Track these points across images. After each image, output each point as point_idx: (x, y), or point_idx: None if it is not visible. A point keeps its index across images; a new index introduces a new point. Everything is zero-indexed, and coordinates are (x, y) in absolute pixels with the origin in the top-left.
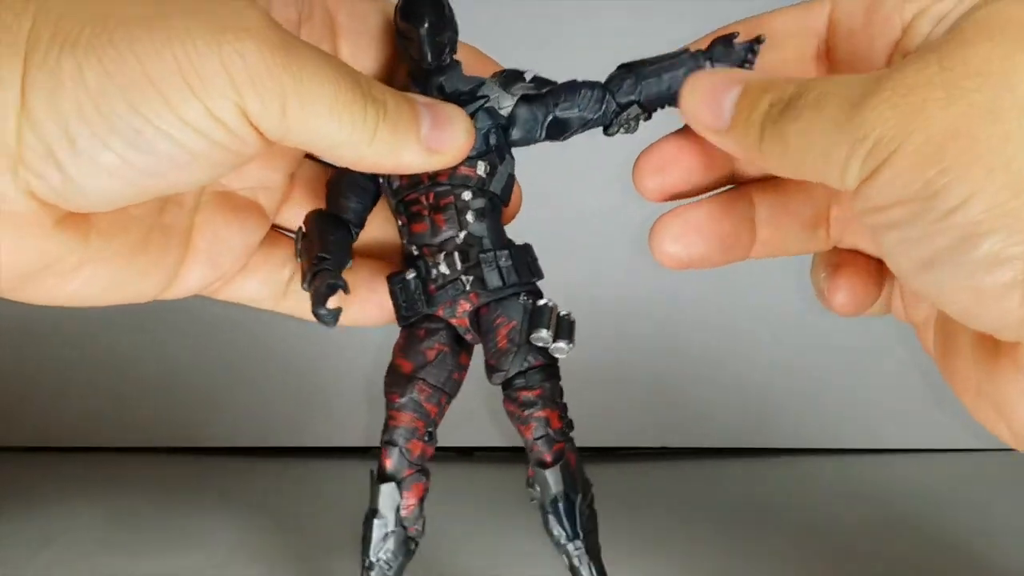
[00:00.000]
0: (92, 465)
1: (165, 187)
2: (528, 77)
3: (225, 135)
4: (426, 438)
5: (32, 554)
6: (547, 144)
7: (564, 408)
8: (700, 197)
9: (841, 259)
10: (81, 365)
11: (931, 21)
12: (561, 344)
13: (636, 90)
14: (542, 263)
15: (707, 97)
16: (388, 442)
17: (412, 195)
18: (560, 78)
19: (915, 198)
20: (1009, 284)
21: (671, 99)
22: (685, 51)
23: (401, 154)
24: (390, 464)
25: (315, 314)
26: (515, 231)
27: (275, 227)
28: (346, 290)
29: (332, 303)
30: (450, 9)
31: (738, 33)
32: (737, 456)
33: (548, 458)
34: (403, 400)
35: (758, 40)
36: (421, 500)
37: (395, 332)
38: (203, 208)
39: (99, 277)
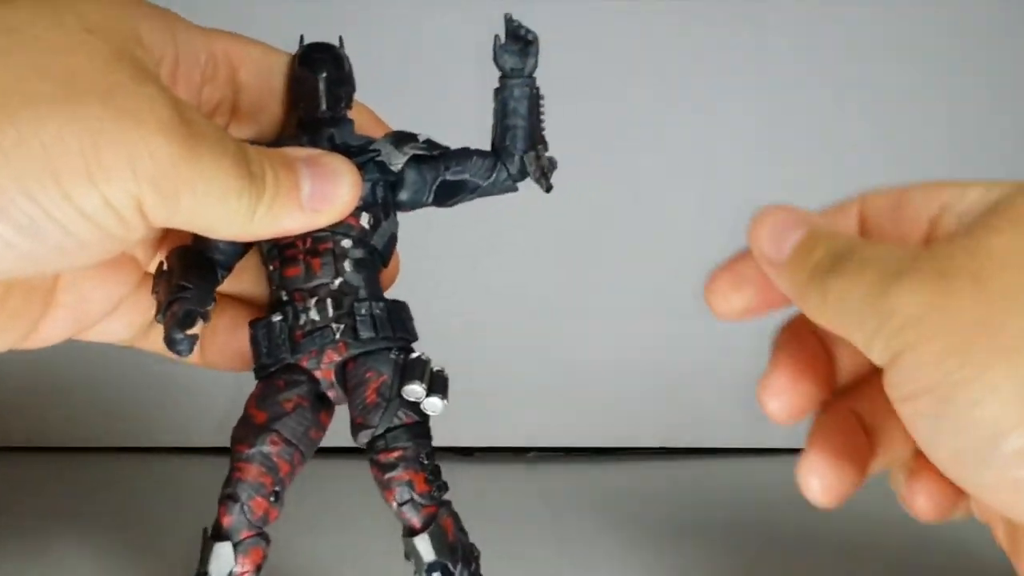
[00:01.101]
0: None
1: (43, 270)
2: (421, 139)
3: (117, 224)
4: (272, 498)
5: (31, 555)
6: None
7: (434, 470)
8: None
9: (919, 464)
10: (81, 365)
11: (956, 217)
12: (435, 399)
13: (514, 144)
14: (538, 264)
15: (773, 232)
16: (229, 496)
17: (288, 239)
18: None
19: (937, 388)
20: None
21: (508, 116)
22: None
23: (282, 222)
24: (228, 521)
25: (168, 340)
26: (523, 216)
27: (147, 274)
28: (206, 319)
29: (189, 332)
30: (350, 65)
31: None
32: (737, 456)
33: (416, 524)
34: (252, 451)
35: (507, 19)
36: (258, 569)
37: None
38: None
39: None
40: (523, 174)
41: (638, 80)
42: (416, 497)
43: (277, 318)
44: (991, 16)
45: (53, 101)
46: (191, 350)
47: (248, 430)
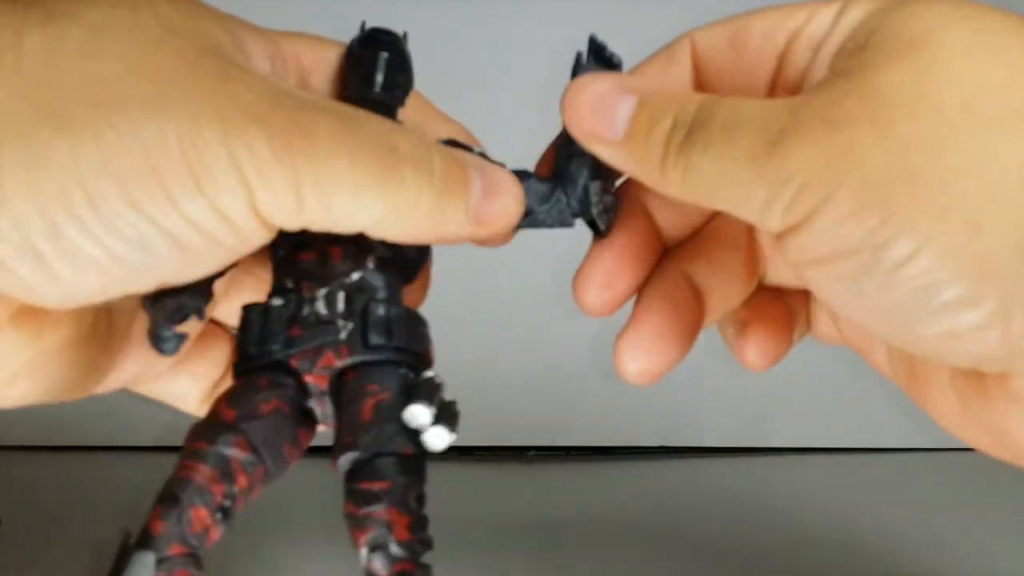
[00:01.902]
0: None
1: (152, 283)
2: (476, 151)
3: (230, 232)
4: (219, 514)
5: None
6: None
7: (420, 520)
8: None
9: (749, 315)
10: None
11: (807, 46)
12: (441, 431)
13: (580, 175)
14: (539, 263)
15: (596, 105)
16: (168, 497)
17: None
18: (546, 79)
19: (858, 250)
20: (984, 324)
21: (577, 142)
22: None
23: (445, 225)
24: (159, 528)
25: (154, 335)
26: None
27: (212, 320)
28: (200, 315)
29: (179, 328)
30: (411, 61)
31: (581, 61)
32: (737, 456)
33: None
34: (208, 450)
35: (591, 41)
36: None
37: None
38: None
39: (44, 375)
40: (584, 206)
41: None
42: (392, 546)
43: (277, 302)
44: None
45: (147, 101)
46: (177, 349)
47: (210, 426)
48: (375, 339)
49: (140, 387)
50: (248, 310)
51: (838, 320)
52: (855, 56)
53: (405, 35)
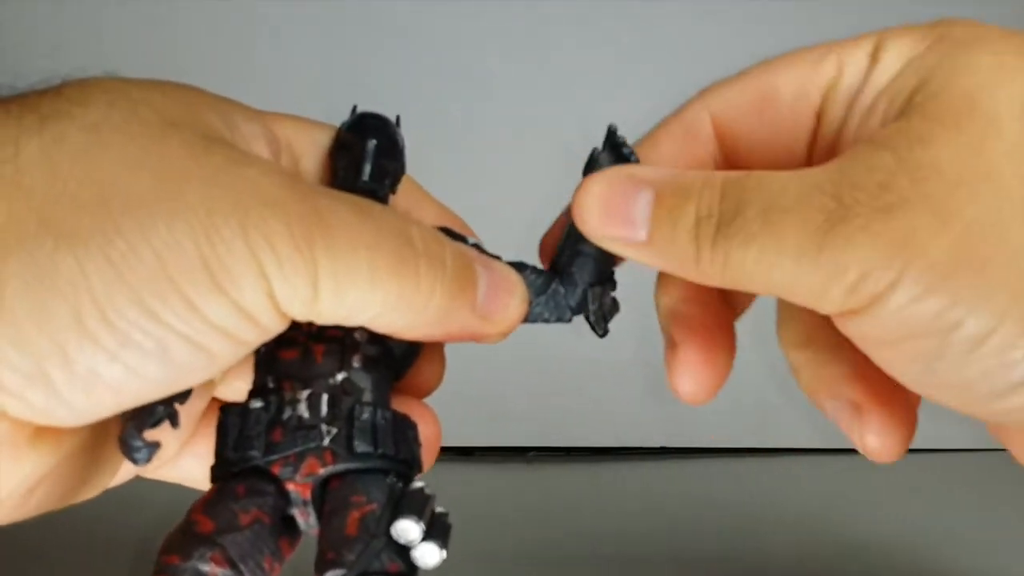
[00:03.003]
0: None
1: (166, 392)
2: (470, 241)
3: (250, 329)
4: None
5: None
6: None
7: None
8: None
9: (865, 396)
10: None
11: (843, 101)
12: (431, 547)
13: (581, 277)
14: (535, 249)
15: (610, 208)
16: None
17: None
18: (548, 87)
19: (928, 333)
20: None
21: (581, 241)
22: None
23: (451, 322)
24: None
25: (125, 444)
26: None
27: (215, 399)
28: (174, 423)
29: (151, 435)
30: (403, 146)
31: (596, 154)
32: (737, 456)
33: None
34: (183, 566)
35: (610, 132)
36: None
37: None
38: None
39: (61, 482)
40: (581, 308)
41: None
42: None
43: (257, 404)
44: (990, 17)
45: (155, 199)
46: (149, 458)
47: (185, 539)
48: (361, 446)
49: (151, 474)
50: (226, 411)
51: None
52: (898, 123)
53: (398, 119)
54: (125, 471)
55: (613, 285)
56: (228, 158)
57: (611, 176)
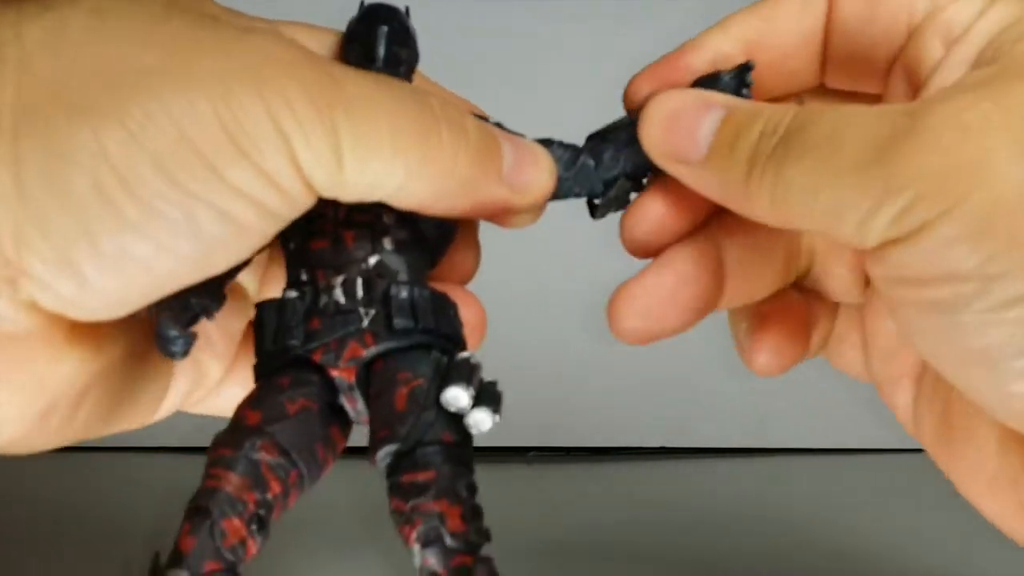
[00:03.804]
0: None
1: (200, 273)
2: (491, 120)
3: (277, 196)
4: (254, 525)
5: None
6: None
7: (475, 510)
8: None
9: (768, 310)
10: None
11: (942, 34)
12: (483, 414)
13: (618, 162)
14: (539, 263)
15: (678, 121)
16: (197, 510)
17: (318, 209)
18: (550, 86)
19: (968, 277)
20: None
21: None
22: None
23: (480, 190)
24: (190, 544)
25: (160, 336)
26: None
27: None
28: (209, 314)
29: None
30: (415, 36)
31: (720, 75)
32: (736, 456)
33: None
34: (236, 455)
35: (747, 67)
36: None
37: None
38: None
39: (107, 396)
40: (609, 173)
41: None
42: (447, 537)
43: (292, 295)
44: None
45: (168, 70)
46: (186, 351)
47: (234, 433)
48: (401, 323)
49: (195, 406)
50: (261, 307)
51: (872, 351)
52: (996, 63)
53: (407, 9)
54: (171, 401)
55: (640, 189)
56: (239, 28)
57: (687, 94)
